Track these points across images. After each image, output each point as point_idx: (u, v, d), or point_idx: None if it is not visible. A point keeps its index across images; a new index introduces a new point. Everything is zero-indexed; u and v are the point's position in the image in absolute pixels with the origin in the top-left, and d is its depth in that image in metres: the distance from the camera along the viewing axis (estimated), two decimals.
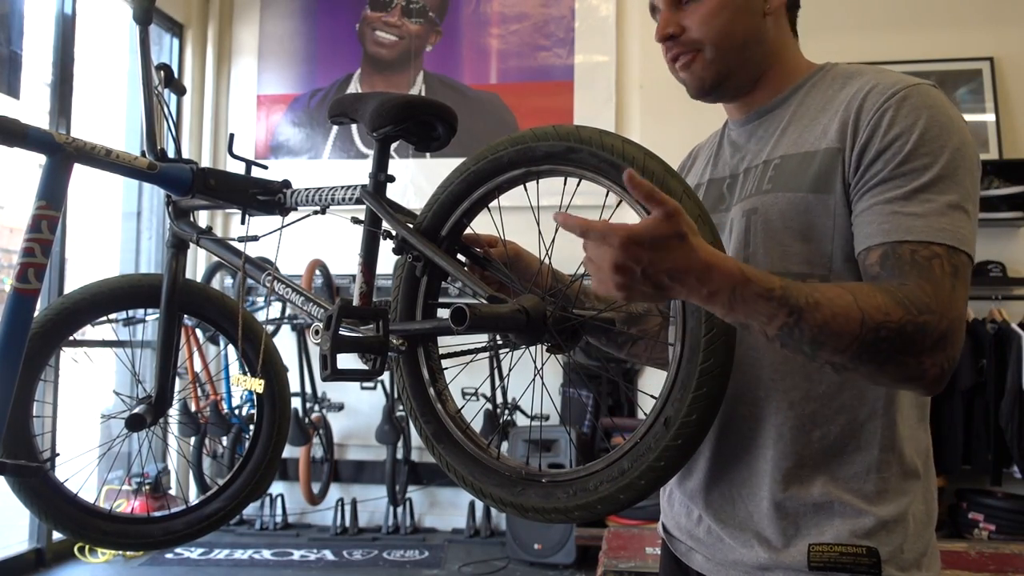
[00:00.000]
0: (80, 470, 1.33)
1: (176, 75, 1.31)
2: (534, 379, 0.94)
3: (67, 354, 2.14)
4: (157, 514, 1.30)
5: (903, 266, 0.82)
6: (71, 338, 1.27)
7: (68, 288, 2.95)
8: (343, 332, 1.00)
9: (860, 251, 0.87)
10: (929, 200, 0.83)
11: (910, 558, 0.90)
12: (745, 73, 1.02)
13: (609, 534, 2.64)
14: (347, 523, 4.11)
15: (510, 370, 1.20)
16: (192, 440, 4.05)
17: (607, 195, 0.91)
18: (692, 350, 0.78)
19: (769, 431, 0.93)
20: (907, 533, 0.90)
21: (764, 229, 0.94)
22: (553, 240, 1.10)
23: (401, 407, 3.93)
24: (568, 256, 1.15)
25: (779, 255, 0.93)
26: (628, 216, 0.89)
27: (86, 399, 3.41)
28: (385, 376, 4.10)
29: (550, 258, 1.12)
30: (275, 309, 4.02)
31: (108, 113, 4.29)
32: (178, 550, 3.66)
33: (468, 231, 1.08)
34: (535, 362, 1.01)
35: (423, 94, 4.38)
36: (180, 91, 1.34)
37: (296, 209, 1.23)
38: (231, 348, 1.91)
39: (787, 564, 0.89)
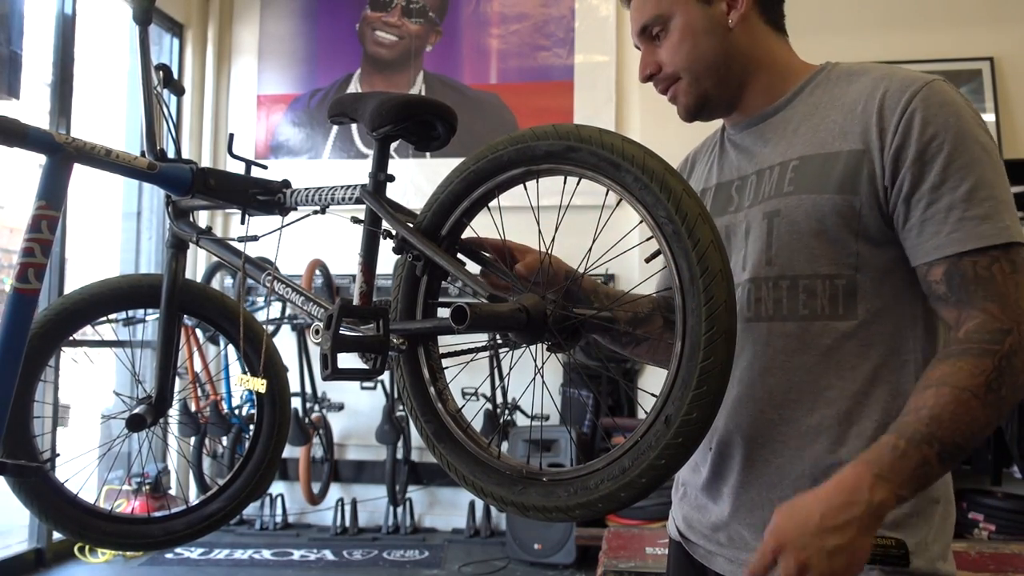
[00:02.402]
0: (80, 470, 1.33)
1: (177, 75, 1.31)
2: (534, 379, 0.94)
3: (67, 354, 2.14)
4: (158, 514, 1.30)
5: (967, 286, 0.85)
6: (71, 338, 1.27)
7: (68, 288, 2.94)
8: (343, 331, 1.00)
9: (922, 263, 0.89)
10: (988, 199, 0.86)
11: (936, 550, 0.92)
12: (726, 89, 1.04)
13: (609, 534, 2.64)
14: (347, 523, 4.11)
15: (510, 370, 1.20)
16: (192, 440, 4.05)
17: (607, 194, 0.91)
18: (693, 348, 0.78)
19: (805, 432, 0.93)
20: (931, 526, 0.92)
21: (789, 231, 0.95)
22: (553, 239, 1.10)
23: (401, 407, 3.93)
24: (567, 255, 1.15)
25: (806, 257, 0.94)
26: (628, 214, 0.89)
27: (86, 399, 3.41)
28: (385, 376, 4.10)
29: (550, 256, 1.13)
30: (275, 309, 4.02)
31: (108, 113, 4.29)
32: (178, 550, 3.66)
33: (469, 233, 1.07)
34: (535, 361, 1.01)
35: (423, 94, 4.38)
36: (179, 91, 1.34)
37: (296, 209, 1.23)
38: (231, 348, 1.90)
39: None
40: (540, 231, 1.09)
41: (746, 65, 1.03)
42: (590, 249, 1.15)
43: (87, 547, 3.57)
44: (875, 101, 0.92)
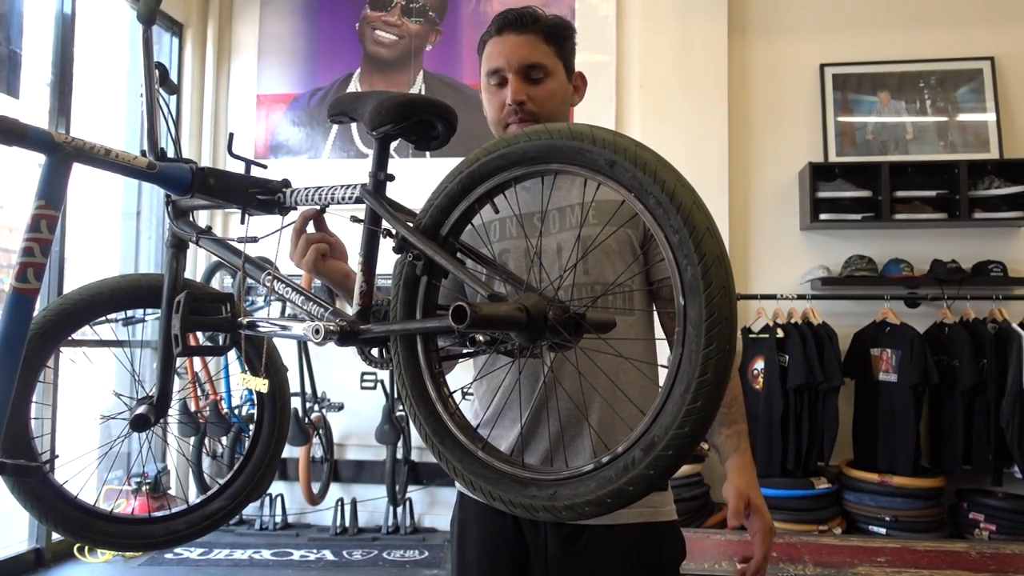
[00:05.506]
0: (80, 471, 1.33)
1: (177, 75, 1.31)
2: (544, 378, 0.94)
3: (66, 354, 2.13)
4: (159, 514, 1.29)
5: None
6: (70, 338, 1.26)
7: (68, 288, 2.94)
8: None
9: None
10: None
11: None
12: None
13: None
14: (347, 523, 4.11)
15: (508, 370, 1.20)
16: (192, 440, 4.05)
17: (584, 183, 0.90)
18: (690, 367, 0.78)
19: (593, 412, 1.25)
20: None
21: (603, 252, 1.25)
22: (539, 239, 1.10)
23: (401, 407, 3.93)
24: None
25: (611, 271, 1.25)
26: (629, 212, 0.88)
27: (85, 400, 3.40)
28: (385, 376, 4.10)
29: (539, 257, 1.16)
30: (275, 309, 4.01)
31: (108, 113, 4.29)
32: (178, 550, 3.67)
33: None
34: (545, 362, 1.00)
35: (423, 93, 4.38)
36: (172, 90, 1.33)
37: (296, 208, 1.23)
38: None
39: None
40: (526, 235, 1.09)
41: None
42: (576, 245, 1.15)
43: (87, 547, 3.57)
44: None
